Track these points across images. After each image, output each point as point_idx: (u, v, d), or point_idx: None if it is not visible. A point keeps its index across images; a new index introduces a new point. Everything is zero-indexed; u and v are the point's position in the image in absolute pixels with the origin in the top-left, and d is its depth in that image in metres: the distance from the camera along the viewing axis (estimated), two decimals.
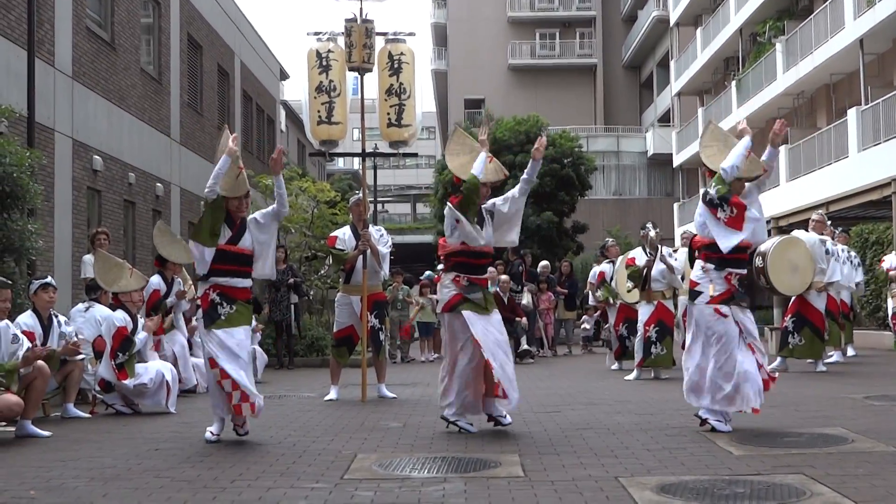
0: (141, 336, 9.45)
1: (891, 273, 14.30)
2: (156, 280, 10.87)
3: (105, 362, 9.10)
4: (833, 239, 13.92)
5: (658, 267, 12.09)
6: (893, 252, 14.08)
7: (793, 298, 12.02)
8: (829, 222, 14.11)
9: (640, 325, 12.26)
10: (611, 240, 15.72)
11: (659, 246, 12.35)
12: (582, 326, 19.17)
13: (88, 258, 11.58)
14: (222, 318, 6.98)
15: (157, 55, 19.38)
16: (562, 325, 19.35)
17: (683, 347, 14.37)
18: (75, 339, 8.66)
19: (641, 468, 5.60)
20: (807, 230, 12.78)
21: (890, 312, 14.47)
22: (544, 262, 19.83)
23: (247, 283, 7.19)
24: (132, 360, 9.15)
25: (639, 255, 12.40)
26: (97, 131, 15.75)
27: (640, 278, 12.18)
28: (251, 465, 5.95)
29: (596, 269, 15.63)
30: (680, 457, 5.95)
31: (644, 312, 12.22)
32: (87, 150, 15.34)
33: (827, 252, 12.09)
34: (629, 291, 12.77)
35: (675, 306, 12.43)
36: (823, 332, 12.15)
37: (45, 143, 13.64)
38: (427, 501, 4.84)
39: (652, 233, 12.45)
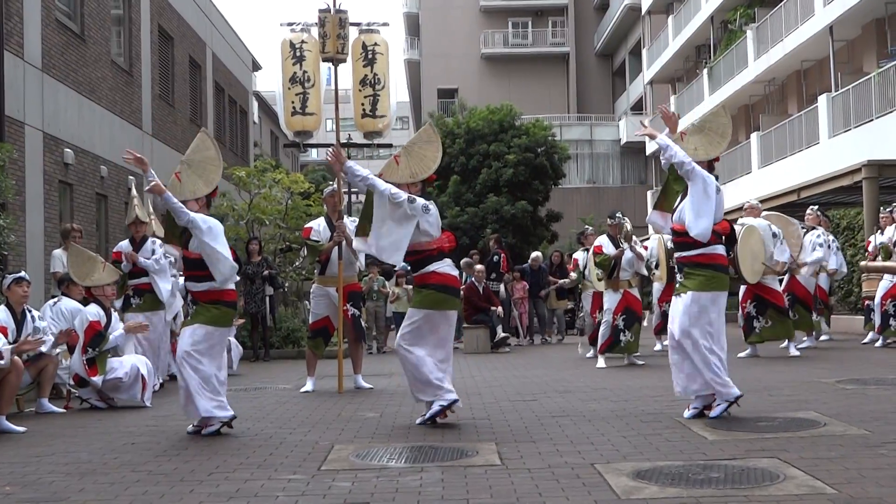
0: (116, 334, 9.35)
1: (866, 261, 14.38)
2: (121, 244, 10.90)
3: (76, 356, 9.04)
4: (820, 225, 14.07)
5: (627, 255, 12.14)
6: (878, 231, 14.17)
7: (745, 286, 12.16)
8: (817, 209, 14.25)
9: (606, 313, 12.28)
10: (590, 227, 15.78)
11: (633, 237, 12.44)
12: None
13: (58, 253, 11.46)
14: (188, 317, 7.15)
15: (128, 47, 19.23)
16: (553, 314, 19.29)
17: (655, 331, 14.57)
18: (46, 336, 8.59)
19: (617, 455, 5.63)
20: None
21: (864, 294, 14.58)
22: (536, 254, 19.78)
23: (203, 286, 7.03)
24: (104, 357, 9.09)
25: (606, 244, 12.33)
26: (68, 124, 15.62)
27: (609, 267, 12.19)
28: (228, 458, 5.94)
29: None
30: (655, 443, 5.99)
31: (611, 300, 12.23)
32: (58, 143, 15.21)
33: (774, 235, 12.22)
34: (599, 280, 12.79)
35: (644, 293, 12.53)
36: (786, 309, 12.29)
37: (15, 136, 13.52)
38: (404, 491, 4.86)
39: (628, 225, 12.48)
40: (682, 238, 7.04)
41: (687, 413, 7.00)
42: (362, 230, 7.29)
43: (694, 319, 6.88)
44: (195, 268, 7.08)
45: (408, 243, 7.13)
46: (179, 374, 7.06)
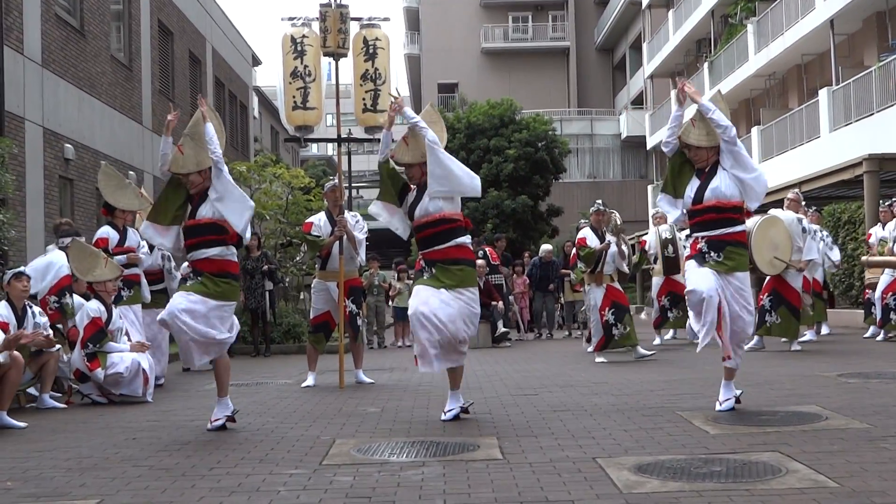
0: (121, 346, 9.30)
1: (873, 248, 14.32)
2: (105, 230, 10.18)
3: (76, 351, 9.04)
4: (807, 218, 14.04)
5: (611, 249, 12.03)
6: (879, 224, 14.15)
7: (769, 277, 12.09)
8: (803, 202, 14.20)
9: (594, 310, 12.13)
10: (584, 221, 15.70)
11: (622, 233, 12.35)
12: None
13: (51, 248, 11.36)
14: (187, 284, 7.09)
15: (128, 42, 19.22)
16: (572, 307, 19.16)
17: (654, 325, 14.50)
18: (47, 331, 8.60)
19: (619, 449, 5.63)
20: (782, 209, 12.85)
21: (867, 281, 14.54)
22: (547, 247, 19.68)
23: (213, 251, 6.94)
24: (104, 352, 9.09)
25: (590, 236, 12.14)
26: (68, 119, 15.62)
27: (594, 261, 12.06)
28: (229, 453, 5.94)
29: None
30: (657, 437, 5.98)
31: (596, 296, 12.11)
32: (59, 138, 15.20)
33: (804, 230, 12.17)
34: (583, 273, 12.62)
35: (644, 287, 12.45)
36: (800, 310, 12.25)
37: (15, 131, 13.51)
38: (406, 485, 4.85)
39: (617, 219, 12.37)
40: (723, 214, 6.93)
41: (722, 406, 6.95)
42: (386, 197, 7.40)
43: (748, 299, 6.94)
44: (203, 234, 6.96)
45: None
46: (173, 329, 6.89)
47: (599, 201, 12.73)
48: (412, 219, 7.27)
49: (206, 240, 6.97)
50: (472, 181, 7.20)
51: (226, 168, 7.08)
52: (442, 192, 7.08)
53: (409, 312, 7.04)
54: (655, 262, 14.20)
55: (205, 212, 6.99)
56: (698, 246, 7.01)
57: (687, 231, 8.14)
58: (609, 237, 12.07)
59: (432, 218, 7.13)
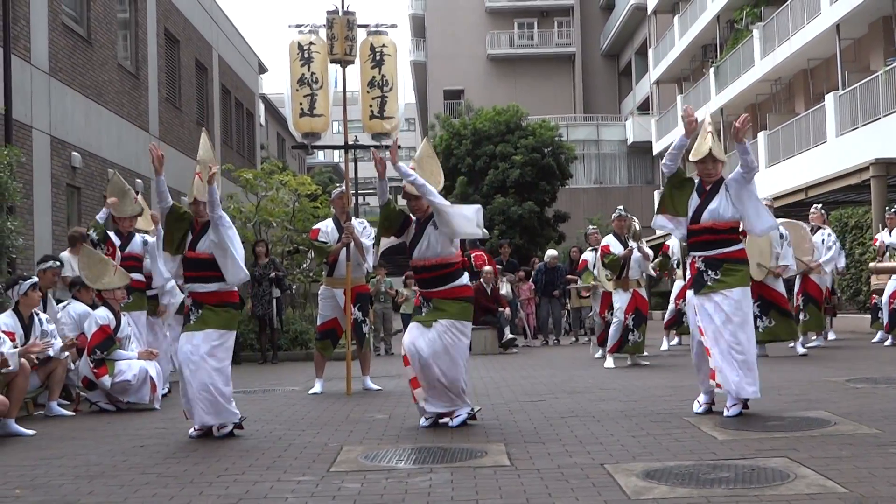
0: (128, 353, 9.30)
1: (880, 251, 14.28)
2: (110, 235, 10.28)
3: (84, 359, 9.06)
4: (824, 225, 14.03)
5: (636, 254, 12.10)
6: (886, 230, 14.11)
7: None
8: (820, 208, 14.21)
9: (617, 312, 12.20)
10: (592, 227, 15.68)
11: (641, 237, 12.40)
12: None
13: (65, 255, 11.35)
14: (190, 322, 7.08)
15: (135, 50, 19.26)
16: (579, 313, 19.10)
17: (666, 325, 14.48)
18: (53, 339, 8.61)
19: (626, 455, 5.62)
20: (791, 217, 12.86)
21: (873, 287, 14.51)
22: (552, 252, 19.64)
23: (211, 287, 7.05)
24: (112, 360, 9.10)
25: (613, 243, 12.25)
26: (75, 127, 15.66)
27: (618, 267, 12.13)
28: (237, 460, 5.95)
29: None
30: (665, 443, 5.98)
31: (621, 300, 12.17)
32: (66, 146, 15.24)
33: (781, 236, 12.14)
34: (609, 280, 12.69)
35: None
36: (790, 310, 12.23)
37: (22, 140, 13.55)
38: (414, 492, 4.85)
39: (636, 224, 12.43)
40: (718, 235, 7.04)
41: (697, 409, 7.07)
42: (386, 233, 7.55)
43: (746, 315, 7.00)
44: (203, 268, 7.09)
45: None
46: (183, 376, 6.99)
47: (621, 207, 12.81)
48: (410, 256, 7.40)
49: (206, 275, 7.10)
50: (472, 226, 7.22)
51: (226, 224, 7.08)
52: (446, 233, 7.19)
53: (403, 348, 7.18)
54: (678, 266, 14.19)
55: (205, 247, 7.12)
56: (696, 266, 7.10)
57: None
58: (631, 243, 12.16)
59: (429, 263, 7.25)
